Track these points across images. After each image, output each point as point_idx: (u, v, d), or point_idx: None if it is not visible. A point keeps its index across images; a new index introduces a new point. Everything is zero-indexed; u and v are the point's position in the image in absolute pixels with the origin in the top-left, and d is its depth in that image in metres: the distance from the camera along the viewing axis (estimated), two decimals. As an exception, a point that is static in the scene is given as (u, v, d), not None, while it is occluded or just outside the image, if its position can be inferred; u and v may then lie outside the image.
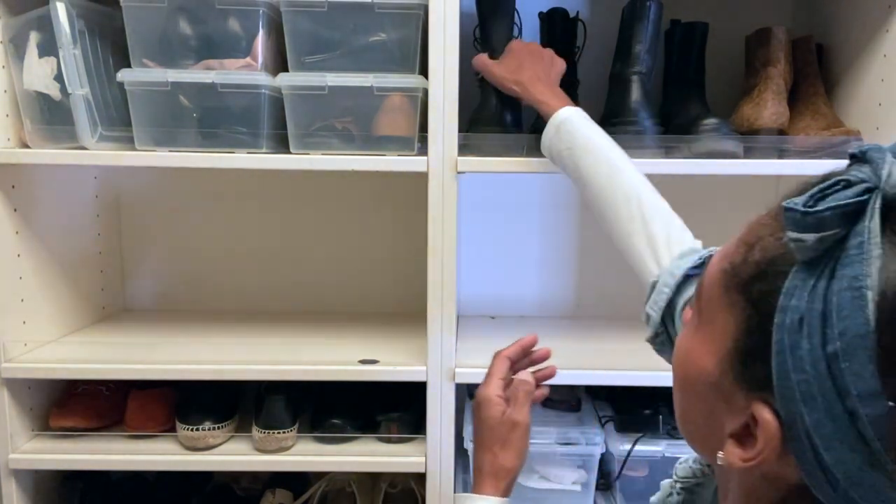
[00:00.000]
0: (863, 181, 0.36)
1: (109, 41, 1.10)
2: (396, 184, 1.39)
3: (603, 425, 1.21)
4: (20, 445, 1.11)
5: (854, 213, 0.36)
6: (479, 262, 1.43)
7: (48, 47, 1.05)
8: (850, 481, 0.37)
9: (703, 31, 1.22)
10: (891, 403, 0.34)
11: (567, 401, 1.27)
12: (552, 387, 1.30)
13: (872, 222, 0.35)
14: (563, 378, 1.13)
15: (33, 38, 1.06)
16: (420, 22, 1.05)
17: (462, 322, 1.33)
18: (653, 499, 0.63)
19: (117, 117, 1.09)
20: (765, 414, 0.40)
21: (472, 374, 1.08)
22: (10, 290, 1.10)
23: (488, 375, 0.81)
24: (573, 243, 1.45)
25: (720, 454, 0.43)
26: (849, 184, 0.36)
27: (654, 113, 1.14)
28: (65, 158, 1.06)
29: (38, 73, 1.06)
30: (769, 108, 1.13)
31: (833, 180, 0.37)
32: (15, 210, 1.11)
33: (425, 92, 1.04)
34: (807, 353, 0.37)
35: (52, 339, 1.21)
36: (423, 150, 1.05)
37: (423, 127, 1.05)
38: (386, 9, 1.04)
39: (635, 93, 1.13)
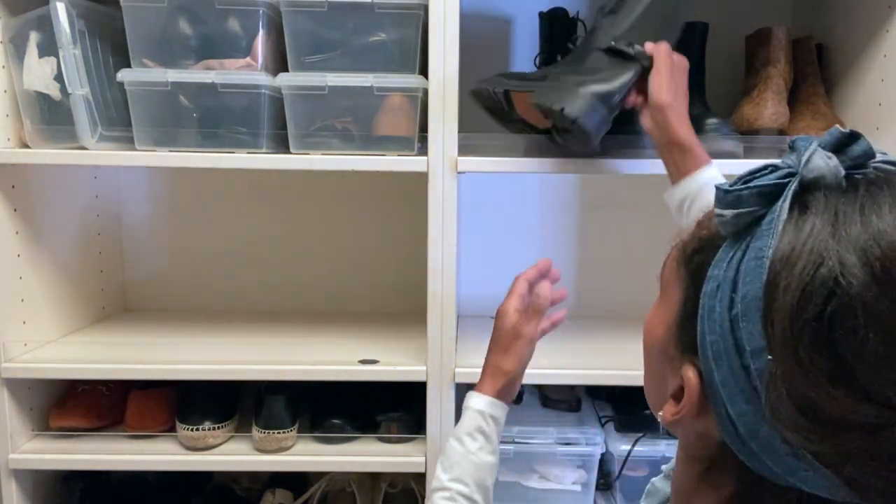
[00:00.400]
0: (788, 166, 0.40)
1: (109, 41, 1.10)
2: (396, 184, 1.39)
3: (603, 425, 1.21)
4: (20, 445, 1.11)
5: (772, 195, 0.40)
6: (479, 262, 1.43)
7: (48, 47, 1.05)
8: (749, 433, 0.40)
9: (703, 31, 1.22)
10: (769, 357, 0.37)
11: (567, 401, 1.27)
12: (552, 387, 1.31)
13: (785, 202, 0.39)
14: (563, 378, 1.13)
15: (33, 38, 1.06)
16: (420, 22, 1.05)
17: (462, 322, 1.33)
18: (664, 466, 0.66)
19: (117, 117, 1.09)
20: (689, 373, 0.44)
21: (473, 374, 1.08)
22: (10, 290, 1.10)
23: (510, 292, 0.89)
24: (573, 243, 1.45)
25: (660, 413, 0.48)
26: (776, 168, 0.41)
27: None
28: (65, 158, 1.06)
29: (38, 73, 1.06)
30: (769, 108, 1.13)
31: (763, 165, 0.41)
32: (15, 210, 1.11)
33: (425, 92, 1.04)
34: (718, 316, 0.41)
35: (52, 339, 1.21)
36: (423, 150, 1.05)
37: (423, 127, 1.05)
38: (386, 9, 1.04)
39: None
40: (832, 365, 0.36)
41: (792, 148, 0.42)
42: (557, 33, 1.21)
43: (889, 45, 1.08)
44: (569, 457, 1.17)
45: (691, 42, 1.22)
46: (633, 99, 0.92)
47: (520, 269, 1.46)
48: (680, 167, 0.87)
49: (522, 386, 1.31)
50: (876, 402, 0.35)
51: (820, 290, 0.36)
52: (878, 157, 0.40)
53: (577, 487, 1.17)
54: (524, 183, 1.41)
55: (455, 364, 1.08)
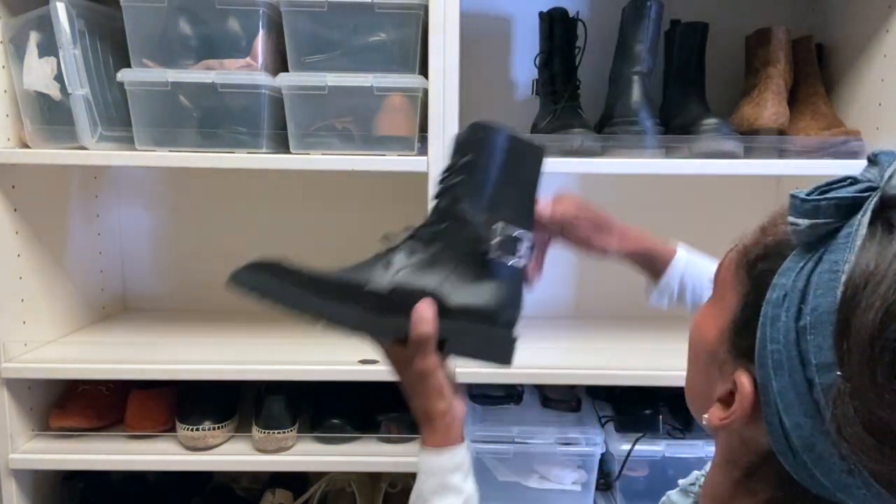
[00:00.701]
0: (868, 180, 0.40)
1: (109, 41, 1.10)
2: (396, 184, 1.39)
3: (603, 425, 1.21)
4: (20, 445, 1.11)
5: (850, 207, 0.39)
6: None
7: (48, 47, 1.05)
8: (804, 446, 0.40)
9: (703, 31, 1.22)
10: (839, 374, 0.37)
11: (567, 401, 1.27)
12: (552, 387, 1.31)
13: (865, 216, 0.38)
14: (563, 378, 1.13)
15: (33, 38, 1.06)
16: (420, 22, 1.05)
17: (462, 322, 1.32)
18: (680, 481, 0.66)
19: (117, 117, 1.09)
20: (743, 379, 0.44)
21: (473, 374, 1.08)
22: (10, 290, 1.10)
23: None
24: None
25: (705, 415, 0.48)
26: (855, 181, 0.40)
27: (654, 113, 1.14)
28: (65, 158, 1.06)
29: (38, 73, 1.06)
30: (769, 108, 1.13)
31: (843, 176, 0.41)
32: (15, 210, 1.11)
33: (425, 92, 1.04)
34: (782, 325, 0.41)
35: (52, 339, 1.21)
36: (423, 150, 1.05)
37: (423, 127, 1.05)
38: (386, 9, 1.04)
39: (636, 93, 1.13)
40: None
41: (873, 161, 0.41)
42: (558, 34, 1.21)
43: (889, 45, 1.08)
44: (569, 457, 1.17)
45: (691, 42, 1.22)
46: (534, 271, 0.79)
47: (520, 269, 1.47)
48: (653, 268, 0.85)
49: (522, 386, 1.32)
50: None
51: None
52: None
53: (577, 487, 1.17)
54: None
55: (455, 364, 1.08)
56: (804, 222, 0.40)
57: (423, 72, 1.05)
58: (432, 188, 1.04)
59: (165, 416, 1.16)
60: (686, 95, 1.21)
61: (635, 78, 1.14)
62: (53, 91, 1.06)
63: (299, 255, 1.42)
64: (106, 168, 1.37)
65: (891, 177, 0.38)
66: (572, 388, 1.31)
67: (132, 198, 1.42)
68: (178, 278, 1.45)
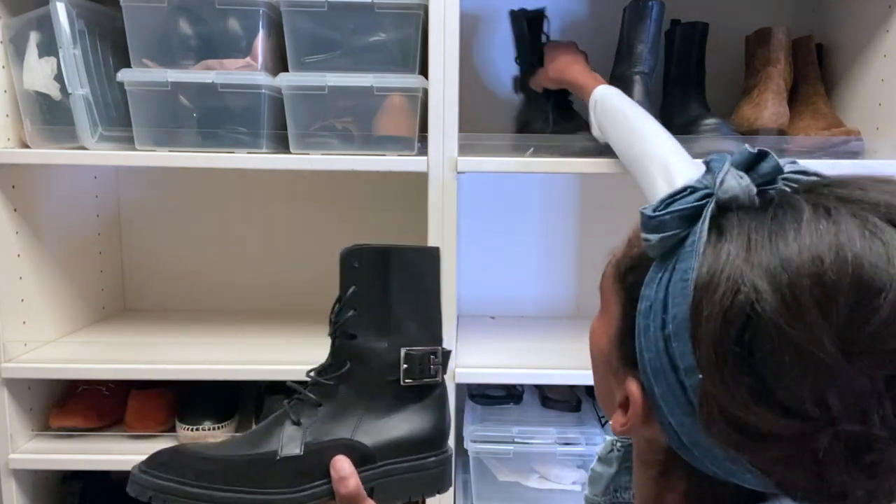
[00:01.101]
0: (705, 187, 0.42)
1: (109, 41, 1.10)
2: (396, 184, 1.39)
3: (603, 425, 1.21)
4: (20, 445, 1.11)
5: (692, 216, 0.41)
6: (479, 262, 1.43)
7: (48, 47, 1.05)
8: (691, 441, 0.43)
9: (703, 31, 1.22)
10: (700, 375, 0.39)
11: (567, 401, 1.27)
12: (552, 387, 1.31)
13: (704, 224, 0.40)
14: (563, 378, 1.13)
15: (33, 38, 1.06)
16: (420, 22, 1.05)
17: (462, 322, 1.33)
18: (597, 450, 0.67)
19: (117, 117, 1.09)
20: (632, 387, 0.46)
21: (472, 374, 1.08)
22: (10, 290, 1.10)
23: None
24: (573, 243, 1.45)
25: (610, 421, 0.50)
26: (694, 190, 0.42)
27: (656, 113, 1.14)
28: (65, 158, 1.06)
29: (38, 73, 1.06)
30: (769, 108, 1.13)
31: (682, 187, 0.43)
32: (15, 210, 1.11)
33: (425, 92, 1.04)
34: (653, 335, 0.43)
35: (52, 339, 1.21)
36: (423, 150, 1.05)
37: (423, 127, 1.05)
38: (386, 9, 1.04)
39: (638, 93, 1.13)
40: (754, 384, 0.38)
41: (708, 168, 0.43)
42: (531, 31, 1.23)
43: (889, 45, 1.08)
44: (569, 457, 1.17)
45: (691, 42, 1.22)
46: None
47: (519, 269, 1.47)
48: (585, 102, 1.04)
49: (522, 386, 1.32)
50: (795, 415, 0.37)
51: (738, 317, 0.38)
52: (787, 167, 0.42)
53: (577, 487, 1.17)
54: (524, 183, 1.41)
55: (455, 364, 1.08)
56: (654, 237, 0.42)
57: (423, 72, 1.05)
58: (432, 188, 1.04)
59: (165, 416, 1.16)
60: (686, 95, 1.21)
61: (637, 78, 1.13)
62: (53, 91, 1.06)
63: (299, 254, 1.43)
64: (106, 168, 1.37)
65: (721, 182, 0.41)
66: (572, 388, 1.31)
67: (132, 198, 1.43)
68: (178, 278, 1.45)
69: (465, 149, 1.05)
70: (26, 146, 1.09)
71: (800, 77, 1.19)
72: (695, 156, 1.06)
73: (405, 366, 0.63)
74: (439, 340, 0.66)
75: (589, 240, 1.44)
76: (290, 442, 0.62)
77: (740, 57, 1.25)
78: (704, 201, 0.41)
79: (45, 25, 1.03)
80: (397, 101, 1.06)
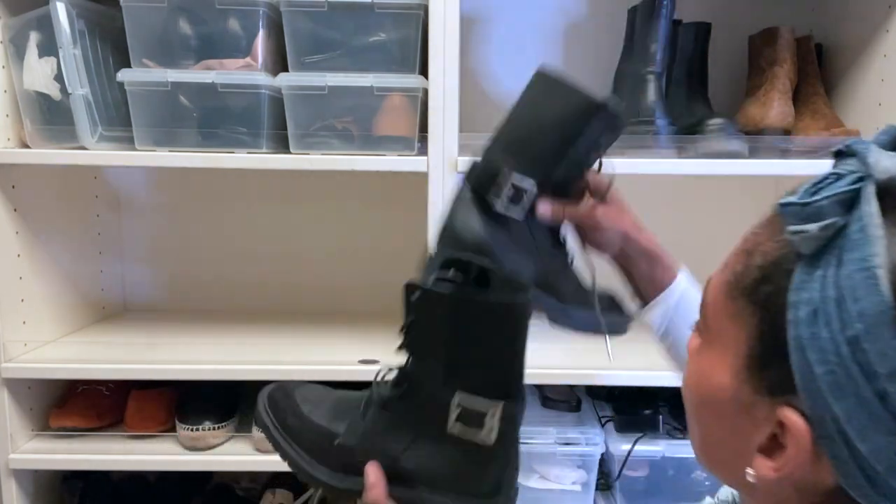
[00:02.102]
0: (852, 172, 0.38)
1: (109, 41, 1.10)
2: (396, 184, 1.39)
3: (603, 425, 1.21)
4: (20, 445, 1.11)
5: (850, 201, 0.37)
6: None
7: (48, 47, 1.04)
8: (891, 469, 0.36)
9: (706, 31, 1.21)
10: None
11: (567, 401, 1.27)
12: (552, 387, 1.31)
13: (870, 206, 0.36)
14: (563, 378, 1.13)
15: (33, 38, 1.06)
16: (420, 22, 1.05)
17: (462, 322, 1.32)
18: (718, 496, 0.62)
19: (117, 117, 1.09)
20: (791, 416, 0.39)
21: (472, 374, 1.08)
22: (10, 290, 1.10)
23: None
24: (573, 243, 1.44)
25: (749, 471, 0.42)
26: (839, 176, 0.38)
27: (667, 112, 1.13)
28: (65, 158, 1.06)
29: (38, 73, 1.06)
30: (776, 107, 1.12)
31: (823, 175, 0.39)
32: (15, 210, 1.11)
33: (425, 92, 1.04)
34: (828, 343, 0.37)
35: (52, 339, 1.21)
36: (423, 150, 1.05)
37: (423, 127, 1.05)
38: (386, 9, 1.04)
39: (651, 92, 1.11)
40: None
41: (847, 153, 0.40)
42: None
43: (889, 45, 1.08)
44: (569, 457, 1.17)
45: (695, 42, 1.22)
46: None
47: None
48: (654, 279, 0.73)
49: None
50: None
51: None
52: None
53: (577, 487, 1.17)
54: (524, 183, 1.41)
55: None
56: (812, 227, 0.37)
57: (424, 72, 1.05)
58: (432, 188, 1.04)
59: (165, 416, 1.16)
60: (690, 96, 1.21)
61: (651, 77, 1.12)
62: (53, 91, 1.06)
63: (299, 255, 1.43)
64: (106, 168, 1.37)
65: (877, 163, 0.37)
66: (572, 388, 1.31)
67: (132, 198, 1.43)
68: (178, 278, 1.45)
69: (465, 149, 1.05)
70: (26, 146, 1.09)
71: (800, 77, 1.19)
72: (701, 156, 1.07)
73: (453, 418, 0.58)
74: (508, 397, 0.58)
75: (589, 240, 1.44)
76: (351, 432, 0.64)
77: (740, 57, 1.25)
78: (859, 185, 0.37)
79: (45, 25, 1.03)
80: (397, 101, 1.06)
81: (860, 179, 0.37)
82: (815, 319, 0.37)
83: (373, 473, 0.61)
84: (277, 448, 0.67)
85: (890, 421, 0.36)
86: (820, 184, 0.39)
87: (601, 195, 0.70)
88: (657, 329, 0.74)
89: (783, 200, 0.39)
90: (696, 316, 0.59)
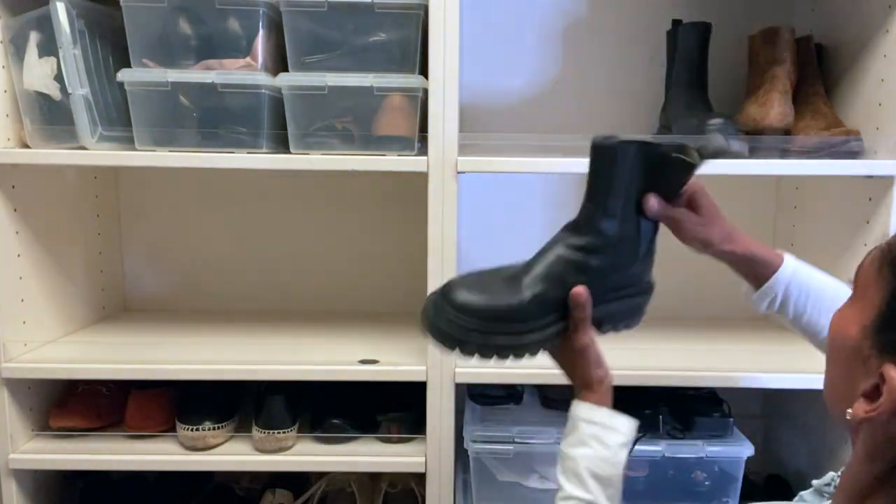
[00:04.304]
0: None
1: (109, 41, 1.10)
2: (396, 184, 1.39)
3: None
4: (20, 445, 1.11)
5: None
6: (480, 262, 1.42)
7: (48, 47, 1.05)
8: None
9: (707, 31, 1.21)
10: None
11: (567, 401, 1.27)
12: (552, 387, 1.31)
13: None
14: (563, 378, 1.13)
15: (33, 38, 1.06)
16: (420, 22, 1.05)
17: (462, 322, 1.32)
18: (814, 482, 0.68)
19: (117, 117, 1.09)
20: (892, 372, 0.46)
21: (472, 374, 1.08)
22: (10, 290, 1.10)
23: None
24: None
25: (849, 410, 0.50)
26: None
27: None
28: (65, 158, 1.06)
29: (38, 73, 1.06)
30: (776, 107, 1.12)
31: None
32: (15, 210, 1.11)
33: (425, 92, 1.04)
34: None
35: (52, 339, 1.21)
36: (423, 150, 1.05)
37: (423, 127, 1.05)
38: (386, 9, 1.04)
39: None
40: None
41: None
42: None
43: (889, 45, 1.08)
44: (569, 457, 1.17)
45: (694, 42, 1.22)
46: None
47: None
48: (754, 273, 0.83)
49: (522, 386, 1.32)
50: None
51: None
52: None
53: (577, 487, 1.17)
54: (524, 183, 1.41)
55: (455, 364, 1.08)
56: None
57: (423, 72, 1.05)
58: (432, 188, 1.04)
59: (165, 416, 1.16)
60: (690, 96, 1.21)
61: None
62: (53, 91, 1.06)
63: (299, 254, 1.43)
64: (106, 168, 1.37)
65: None
66: (572, 387, 1.31)
67: (132, 198, 1.43)
68: (178, 278, 1.45)
69: (465, 149, 1.05)
70: (26, 146, 1.09)
71: (800, 77, 1.19)
72: (702, 156, 1.06)
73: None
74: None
75: (589, 240, 1.44)
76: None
77: (740, 56, 1.25)
78: None
79: (45, 25, 1.03)
80: (397, 101, 1.06)
81: None
82: None
83: (582, 293, 0.72)
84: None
85: None
86: None
87: (694, 205, 0.80)
88: (782, 313, 0.84)
89: None
90: (814, 289, 0.80)
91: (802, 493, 0.68)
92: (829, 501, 0.62)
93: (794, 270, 0.82)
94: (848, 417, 0.50)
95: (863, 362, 0.50)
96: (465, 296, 0.73)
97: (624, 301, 0.78)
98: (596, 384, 0.77)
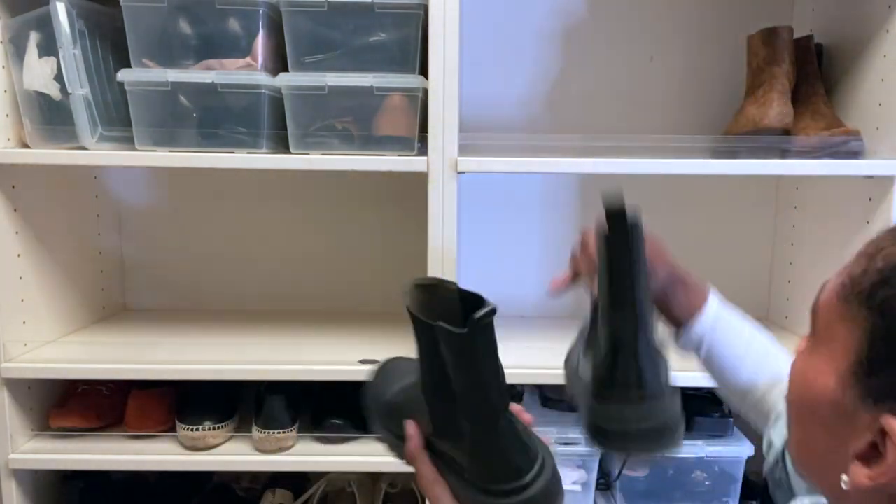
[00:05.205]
0: None
1: (109, 41, 1.10)
2: (396, 184, 1.39)
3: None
4: (20, 445, 1.11)
5: None
6: (479, 262, 1.43)
7: (48, 47, 1.04)
8: None
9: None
10: None
11: (567, 401, 1.27)
12: (552, 387, 1.31)
13: None
14: (563, 378, 1.13)
15: (33, 38, 1.06)
16: (420, 22, 1.05)
17: (462, 322, 1.32)
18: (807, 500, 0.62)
19: (117, 117, 1.09)
20: (894, 424, 0.39)
21: (472, 374, 1.08)
22: (10, 290, 1.10)
23: None
24: (573, 243, 1.44)
25: (844, 477, 0.42)
26: None
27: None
28: (65, 158, 1.06)
29: (38, 73, 1.06)
30: (775, 107, 1.12)
31: None
32: (15, 210, 1.11)
33: (425, 92, 1.04)
34: None
35: (52, 339, 1.21)
36: (423, 150, 1.05)
37: (423, 127, 1.05)
38: (386, 9, 1.04)
39: None
40: None
41: None
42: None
43: (889, 45, 1.08)
44: (569, 457, 1.17)
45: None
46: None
47: (520, 269, 1.47)
48: (689, 304, 0.75)
49: (522, 386, 1.32)
50: None
51: None
52: None
53: (577, 487, 1.17)
54: (524, 183, 1.41)
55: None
56: None
57: (423, 72, 1.05)
58: (432, 188, 1.04)
59: (165, 416, 1.16)
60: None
61: None
62: (53, 91, 1.06)
63: (299, 254, 1.43)
64: (106, 168, 1.37)
65: None
66: (572, 388, 1.31)
67: (132, 198, 1.43)
68: (178, 278, 1.45)
69: (465, 149, 1.05)
70: (26, 146, 1.09)
71: (800, 77, 1.19)
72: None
73: None
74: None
75: (589, 240, 1.44)
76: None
77: (739, 56, 1.25)
78: None
79: (45, 25, 1.03)
80: (397, 101, 1.06)
81: None
82: None
83: (410, 428, 0.65)
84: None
85: None
86: None
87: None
88: (699, 351, 0.75)
89: None
90: (732, 333, 0.70)
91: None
92: (827, 501, 0.56)
93: (719, 304, 0.75)
94: (845, 487, 0.41)
95: (848, 418, 0.42)
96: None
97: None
98: None
